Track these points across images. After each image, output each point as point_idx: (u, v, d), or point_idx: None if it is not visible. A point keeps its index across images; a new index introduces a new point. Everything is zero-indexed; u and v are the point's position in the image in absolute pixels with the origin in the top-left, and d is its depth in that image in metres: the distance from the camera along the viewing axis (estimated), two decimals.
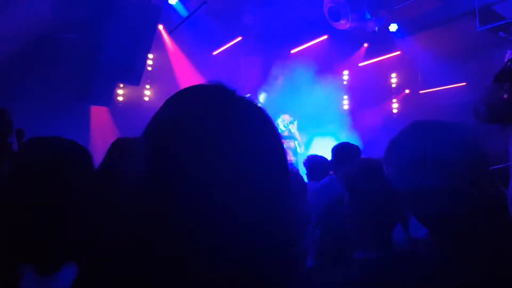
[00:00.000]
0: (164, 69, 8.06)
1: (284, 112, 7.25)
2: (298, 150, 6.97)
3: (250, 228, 0.59)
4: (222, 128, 0.62)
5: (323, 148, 6.11)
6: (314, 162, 4.10)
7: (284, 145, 0.68)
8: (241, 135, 0.63)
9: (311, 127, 8.60)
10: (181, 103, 0.68)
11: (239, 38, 8.41)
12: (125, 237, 0.61)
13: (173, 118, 0.65)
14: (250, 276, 0.59)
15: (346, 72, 9.95)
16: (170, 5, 7.29)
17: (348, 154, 3.52)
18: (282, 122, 7.06)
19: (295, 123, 7.06)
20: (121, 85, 7.47)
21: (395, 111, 9.94)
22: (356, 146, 4.00)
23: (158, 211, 0.60)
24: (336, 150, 3.73)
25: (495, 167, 0.69)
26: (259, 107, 0.70)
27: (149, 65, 7.90)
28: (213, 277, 0.57)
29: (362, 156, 3.49)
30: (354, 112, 9.76)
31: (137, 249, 0.59)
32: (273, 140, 0.67)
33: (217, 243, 0.58)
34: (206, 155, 0.60)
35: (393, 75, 9.96)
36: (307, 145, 7.70)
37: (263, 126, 0.68)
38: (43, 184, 1.04)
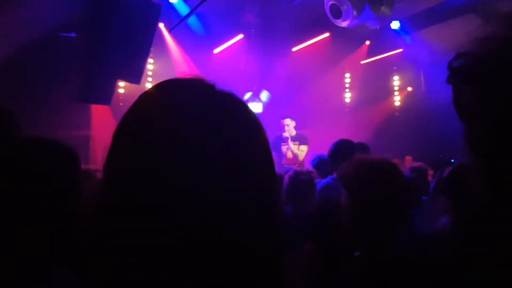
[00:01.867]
0: (165, 67, 8.06)
1: (286, 115, 7.17)
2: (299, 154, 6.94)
3: (230, 224, 0.58)
4: (200, 122, 0.60)
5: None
6: (320, 161, 4.09)
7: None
8: (220, 129, 0.61)
9: (312, 125, 8.57)
10: (156, 97, 0.66)
11: (241, 36, 8.40)
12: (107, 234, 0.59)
13: (147, 112, 0.63)
14: (230, 268, 0.57)
15: (348, 70, 9.92)
16: (171, 3, 7.28)
17: (346, 152, 3.47)
18: (288, 128, 7.00)
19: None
20: (122, 84, 7.48)
21: (397, 108, 9.90)
22: (360, 144, 3.96)
23: (134, 211, 0.58)
24: (334, 148, 3.68)
25: None
26: (241, 101, 0.67)
27: (150, 63, 7.89)
28: (192, 268, 0.56)
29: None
30: (356, 110, 9.74)
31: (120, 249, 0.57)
32: (255, 135, 0.65)
33: (195, 239, 0.56)
34: (182, 149, 0.58)
35: (395, 72, 9.92)
36: None
37: (244, 120, 0.65)
38: (28, 185, 1.02)
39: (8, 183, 1.02)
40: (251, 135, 0.64)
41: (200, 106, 0.61)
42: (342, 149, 3.57)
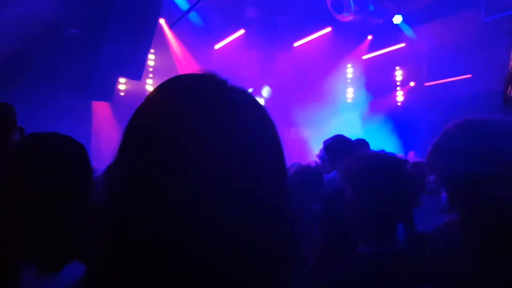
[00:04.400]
0: (166, 63, 8.04)
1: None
2: None
3: (242, 219, 0.57)
4: (213, 118, 0.59)
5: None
6: None
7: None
8: (233, 125, 0.60)
9: (314, 120, 8.56)
10: (169, 92, 0.65)
11: (242, 31, 8.37)
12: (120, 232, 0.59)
13: (161, 108, 0.62)
14: (243, 269, 0.57)
15: (350, 65, 9.90)
16: None
17: (342, 148, 3.41)
18: None
19: None
20: (123, 80, 7.47)
21: (400, 104, 9.88)
22: (360, 140, 3.93)
23: (147, 207, 0.57)
24: (329, 144, 3.62)
25: None
26: (252, 96, 0.67)
27: (151, 60, 7.88)
28: (204, 270, 0.55)
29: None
30: (358, 105, 9.72)
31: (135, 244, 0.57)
32: (267, 130, 0.65)
33: (208, 236, 0.56)
34: (196, 145, 0.57)
35: (398, 67, 9.88)
36: None
37: (256, 115, 0.64)
38: (41, 181, 1.04)
39: (18, 179, 1.03)
40: (264, 133, 0.64)
41: (213, 103, 0.61)
42: (335, 145, 3.51)
